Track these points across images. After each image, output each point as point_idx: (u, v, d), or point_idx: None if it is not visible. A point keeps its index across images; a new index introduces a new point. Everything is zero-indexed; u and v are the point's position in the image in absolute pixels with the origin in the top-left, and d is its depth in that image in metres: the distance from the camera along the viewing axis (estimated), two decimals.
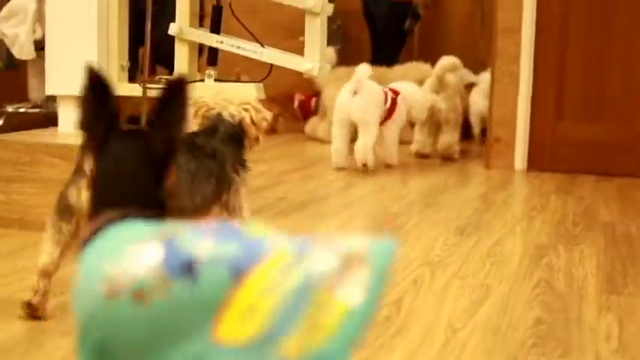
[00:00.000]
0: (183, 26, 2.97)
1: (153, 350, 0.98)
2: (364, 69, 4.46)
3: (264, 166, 4.50)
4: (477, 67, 5.75)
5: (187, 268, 0.96)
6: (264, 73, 3.06)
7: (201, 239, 0.99)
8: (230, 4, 2.97)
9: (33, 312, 1.91)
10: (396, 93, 4.64)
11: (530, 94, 4.62)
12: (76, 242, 1.87)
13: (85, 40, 2.94)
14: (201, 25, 3.37)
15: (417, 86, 4.89)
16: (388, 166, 4.58)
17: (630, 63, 4.54)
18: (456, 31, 6.66)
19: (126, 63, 3.06)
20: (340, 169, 4.43)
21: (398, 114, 4.62)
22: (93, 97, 1.20)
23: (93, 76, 1.19)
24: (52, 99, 4.16)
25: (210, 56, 3.08)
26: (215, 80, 3.01)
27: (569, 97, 4.62)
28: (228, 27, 3.09)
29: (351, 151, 4.43)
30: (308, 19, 2.97)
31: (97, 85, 1.19)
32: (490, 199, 3.70)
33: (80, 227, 1.90)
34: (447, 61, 4.92)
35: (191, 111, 2.35)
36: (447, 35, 6.76)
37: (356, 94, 4.35)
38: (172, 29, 2.97)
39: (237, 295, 0.94)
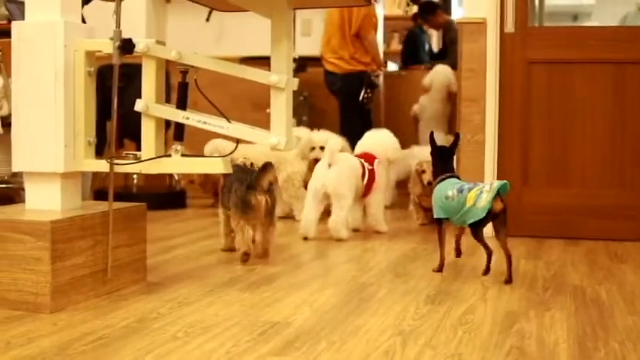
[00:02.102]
0: (149, 103, 2.98)
1: None
2: (335, 141, 4.54)
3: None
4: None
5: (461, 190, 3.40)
6: None
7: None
8: (195, 80, 2.99)
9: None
10: (371, 160, 4.70)
11: (495, 162, 4.68)
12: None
13: (51, 116, 2.94)
14: (168, 99, 3.39)
15: (386, 130, 4.97)
16: (378, 232, 4.78)
17: (591, 128, 4.62)
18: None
19: (93, 139, 3.06)
20: (307, 239, 4.48)
21: (378, 183, 4.69)
22: None
23: None
24: (19, 174, 4.14)
25: (176, 131, 3.10)
26: (182, 155, 3.01)
27: (533, 164, 4.69)
28: (195, 99, 3.11)
29: (323, 221, 4.46)
30: (273, 94, 3.00)
31: None
32: (459, 267, 3.71)
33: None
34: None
35: None
36: (412, 104, 6.85)
37: (331, 167, 4.41)
38: (139, 106, 2.98)
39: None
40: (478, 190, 3.34)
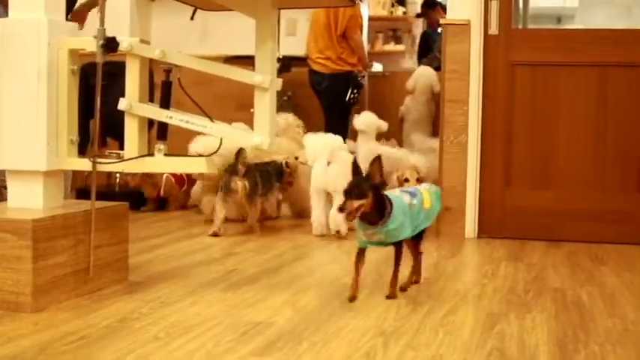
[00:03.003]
0: (132, 102, 2.98)
1: None
2: (336, 140, 4.60)
3: (212, 238, 4.49)
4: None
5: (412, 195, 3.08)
6: None
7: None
8: (179, 79, 2.99)
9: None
10: None
11: (478, 163, 4.69)
12: None
13: (34, 114, 2.93)
14: (151, 97, 3.38)
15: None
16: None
17: (574, 131, 4.65)
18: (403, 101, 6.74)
19: (75, 138, 3.05)
20: (320, 236, 4.62)
21: None
22: None
23: None
24: (1, 172, 4.12)
25: (159, 131, 3.09)
26: (165, 155, 3.01)
27: (516, 166, 4.71)
28: (179, 98, 3.11)
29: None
30: (257, 94, 3.00)
31: None
32: (441, 268, 3.72)
33: None
34: None
35: None
36: (397, 104, 6.85)
37: (329, 164, 4.49)
38: (122, 104, 2.98)
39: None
40: (426, 191, 3.15)
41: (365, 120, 5.88)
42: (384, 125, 5.70)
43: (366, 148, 5.47)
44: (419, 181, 4.42)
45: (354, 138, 5.77)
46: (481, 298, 3.10)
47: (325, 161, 4.63)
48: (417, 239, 3.19)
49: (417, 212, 3.03)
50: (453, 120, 4.71)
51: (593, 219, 4.63)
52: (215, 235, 4.56)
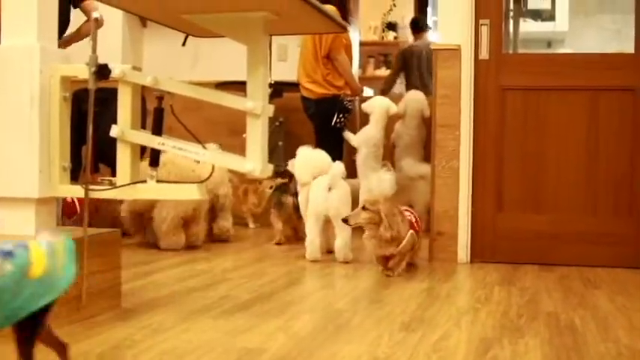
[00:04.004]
0: (125, 129, 2.98)
1: None
2: (339, 167, 4.64)
3: (205, 264, 4.49)
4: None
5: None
6: None
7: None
8: (171, 106, 2.99)
9: None
10: None
11: (470, 188, 4.70)
12: None
13: (26, 141, 2.93)
14: (143, 123, 3.39)
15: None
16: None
17: (565, 155, 4.67)
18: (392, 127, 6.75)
19: (68, 164, 3.05)
20: (315, 261, 4.65)
21: None
22: None
23: None
24: None
25: (152, 157, 3.09)
26: (157, 181, 3.01)
27: (508, 190, 4.72)
28: (170, 124, 3.11)
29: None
30: (249, 121, 3.00)
31: None
32: (435, 293, 3.71)
33: None
34: None
35: None
36: (388, 128, 6.86)
37: (331, 190, 4.51)
38: (114, 131, 2.98)
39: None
40: (40, 247, 1.93)
41: (372, 102, 5.96)
42: (393, 107, 5.80)
43: (365, 133, 5.67)
44: (365, 209, 4.26)
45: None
46: (474, 322, 3.09)
47: (326, 186, 4.65)
48: (31, 327, 1.95)
49: (16, 283, 1.85)
50: (444, 145, 4.73)
51: (585, 242, 4.64)
52: (278, 244, 5.39)
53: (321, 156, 4.93)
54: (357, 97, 6.63)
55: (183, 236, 5.04)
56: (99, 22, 4.60)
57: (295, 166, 4.91)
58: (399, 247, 4.16)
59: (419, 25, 8.37)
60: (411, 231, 4.22)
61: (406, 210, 4.42)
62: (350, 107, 6.30)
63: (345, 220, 4.25)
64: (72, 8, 5.31)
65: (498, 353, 2.62)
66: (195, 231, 5.14)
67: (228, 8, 2.95)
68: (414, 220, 4.34)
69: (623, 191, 4.63)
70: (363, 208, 4.18)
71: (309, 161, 4.88)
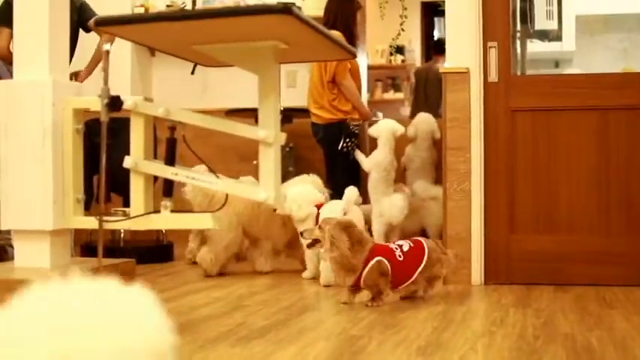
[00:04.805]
0: (138, 159, 3.00)
1: None
2: (353, 192, 4.65)
3: (220, 291, 4.49)
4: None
5: None
6: None
7: None
8: (184, 136, 3.01)
9: None
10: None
11: (482, 210, 4.70)
12: None
13: (40, 174, 2.95)
14: (155, 152, 3.40)
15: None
16: None
17: (577, 175, 4.66)
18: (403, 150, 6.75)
19: (81, 196, 3.07)
20: (328, 285, 4.66)
21: None
22: None
23: None
24: (6, 231, 4.12)
25: (165, 188, 3.11)
26: (171, 211, 3.02)
27: (520, 211, 4.72)
28: (182, 152, 3.13)
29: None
30: (262, 149, 3.02)
31: None
32: (449, 316, 3.71)
33: None
34: None
35: None
36: (399, 152, 6.87)
37: (346, 215, 4.52)
38: (128, 162, 3.00)
39: None
40: None
41: (377, 126, 5.97)
42: (400, 129, 5.82)
43: (375, 158, 5.66)
44: (320, 227, 4.14)
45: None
46: (491, 346, 3.08)
47: (341, 211, 4.66)
48: None
49: None
50: (455, 167, 4.73)
51: (599, 262, 4.63)
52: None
53: (308, 189, 4.95)
54: (366, 122, 6.63)
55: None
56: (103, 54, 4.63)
57: (288, 202, 4.87)
58: (362, 277, 3.98)
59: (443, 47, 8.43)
60: (380, 258, 3.99)
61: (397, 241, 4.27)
62: (357, 132, 6.30)
63: (301, 234, 4.21)
64: (83, 31, 5.35)
65: None
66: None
67: (238, 38, 2.97)
68: (396, 247, 4.11)
69: (636, 209, 4.62)
70: (319, 226, 4.11)
71: (301, 196, 4.89)
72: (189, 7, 5.72)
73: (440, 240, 4.76)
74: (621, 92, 4.63)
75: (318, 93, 6.26)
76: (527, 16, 5.49)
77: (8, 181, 2.99)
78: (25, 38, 3.03)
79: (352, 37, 6.32)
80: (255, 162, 3.05)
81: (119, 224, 3.06)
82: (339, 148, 6.17)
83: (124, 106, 2.98)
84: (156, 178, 3.27)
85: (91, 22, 2.96)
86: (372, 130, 6.03)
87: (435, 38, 10.51)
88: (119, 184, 3.73)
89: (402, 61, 10.52)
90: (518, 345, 3.09)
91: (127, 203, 3.14)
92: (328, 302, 4.22)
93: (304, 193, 4.91)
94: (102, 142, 2.96)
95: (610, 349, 3.01)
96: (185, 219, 3.13)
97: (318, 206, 4.88)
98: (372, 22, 9.55)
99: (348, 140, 6.19)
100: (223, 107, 6.62)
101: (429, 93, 8.24)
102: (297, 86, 7.16)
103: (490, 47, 4.73)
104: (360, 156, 6.16)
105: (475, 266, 4.70)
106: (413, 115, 7.82)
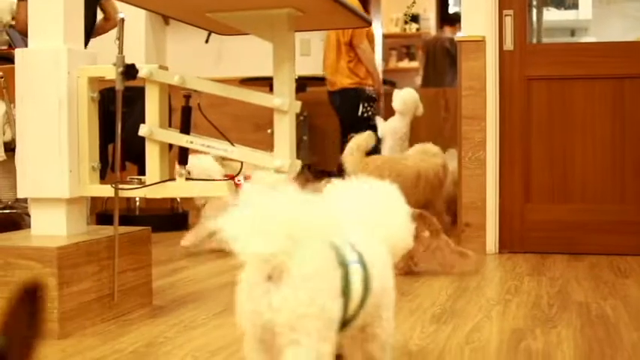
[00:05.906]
0: (153, 128, 3.00)
1: None
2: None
3: (236, 259, 4.50)
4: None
5: None
6: None
7: None
8: (199, 104, 3.01)
9: None
10: None
11: (497, 179, 4.70)
12: None
13: (56, 142, 2.95)
14: (170, 121, 3.40)
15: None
16: None
17: (592, 144, 4.64)
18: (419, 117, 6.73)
19: (97, 164, 3.07)
20: None
21: None
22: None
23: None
24: (22, 200, 4.14)
25: (181, 155, 3.10)
26: (187, 179, 3.02)
27: (535, 180, 4.70)
28: (196, 120, 3.12)
29: None
30: (277, 117, 3.01)
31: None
32: (464, 284, 3.71)
33: None
34: None
35: None
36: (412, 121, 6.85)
37: None
38: (143, 130, 3.00)
39: None
40: None
41: (404, 95, 5.93)
42: (420, 108, 5.82)
43: (392, 124, 5.66)
44: None
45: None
46: (505, 314, 3.09)
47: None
48: None
49: None
50: (470, 136, 4.72)
51: (613, 231, 4.62)
52: None
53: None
54: (378, 90, 6.59)
55: None
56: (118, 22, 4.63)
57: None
58: None
59: (451, 18, 8.41)
60: None
61: None
62: (374, 96, 6.28)
63: None
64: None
65: (531, 344, 2.62)
66: None
67: (253, 6, 2.96)
68: None
69: None
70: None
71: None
72: None
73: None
74: (637, 61, 4.60)
75: (335, 57, 6.25)
76: None
77: (24, 150, 2.99)
78: (40, 6, 3.02)
79: (367, 4, 6.30)
80: (269, 131, 3.04)
81: (135, 192, 3.06)
82: (359, 113, 6.16)
83: (139, 75, 2.97)
84: (170, 146, 3.26)
85: None
86: (397, 98, 5.99)
87: (450, 5, 10.44)
88: (134, 153, 3.73)
89: (417, 29, 10.46)
90: (533, 313, 3.10)
91: (142, 172, 3.14)
92: None
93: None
94: (117, 110, 2.96)
95: (624, 317, 3.01)
96: (200, 186, 3.13)
97: None
98: None
99: (367, 105, 6.18)
100: (238, 76, 6.61)
101: (437, 64, 8.21)
102: (312, 54, 7.14)
103: (506, 15, 4.70)
104: (379, 120, 6.14)
105: (490, 235, 4.70)
106: (424, 84, 7.80)
